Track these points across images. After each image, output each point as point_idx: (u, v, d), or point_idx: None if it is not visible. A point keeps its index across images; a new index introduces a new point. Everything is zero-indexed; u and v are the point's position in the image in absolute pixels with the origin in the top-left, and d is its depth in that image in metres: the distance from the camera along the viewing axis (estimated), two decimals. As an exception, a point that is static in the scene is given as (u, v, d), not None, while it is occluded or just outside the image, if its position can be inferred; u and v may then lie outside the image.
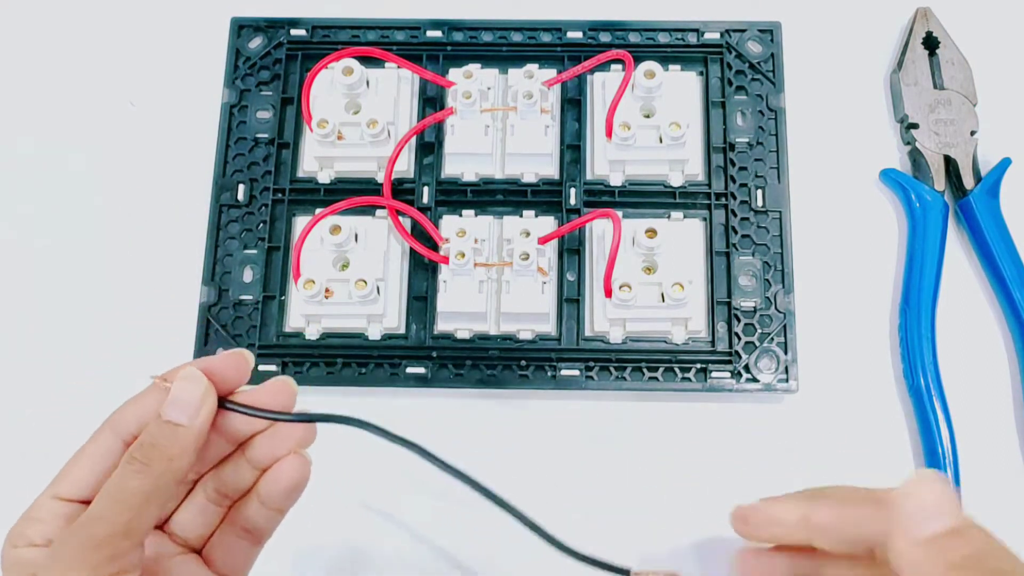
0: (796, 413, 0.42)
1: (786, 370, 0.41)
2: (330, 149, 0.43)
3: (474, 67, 0.43)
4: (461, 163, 0.43)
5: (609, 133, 0.42)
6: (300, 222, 0.44)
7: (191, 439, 0.27)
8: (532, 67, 0.43)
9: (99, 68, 0.48)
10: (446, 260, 0.40)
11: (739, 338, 0.41)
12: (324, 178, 0.44)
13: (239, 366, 0.28)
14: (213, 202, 0.44)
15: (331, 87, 0.44)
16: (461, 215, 0.43)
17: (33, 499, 0.28)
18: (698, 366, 0.41)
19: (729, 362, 0.41)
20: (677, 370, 0.41)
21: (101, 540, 0.25)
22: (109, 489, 0.26)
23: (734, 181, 0.43)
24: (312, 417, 0.29)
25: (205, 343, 0.42)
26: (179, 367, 0.28)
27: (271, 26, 0.46)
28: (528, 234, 0.41)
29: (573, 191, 0.43)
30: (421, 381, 0.41)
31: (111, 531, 0.25)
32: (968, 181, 0.43)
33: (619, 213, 0.40)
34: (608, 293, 0.40)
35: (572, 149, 0.44)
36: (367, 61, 0.44)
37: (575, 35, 0.46)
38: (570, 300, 0.42)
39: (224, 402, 0.28)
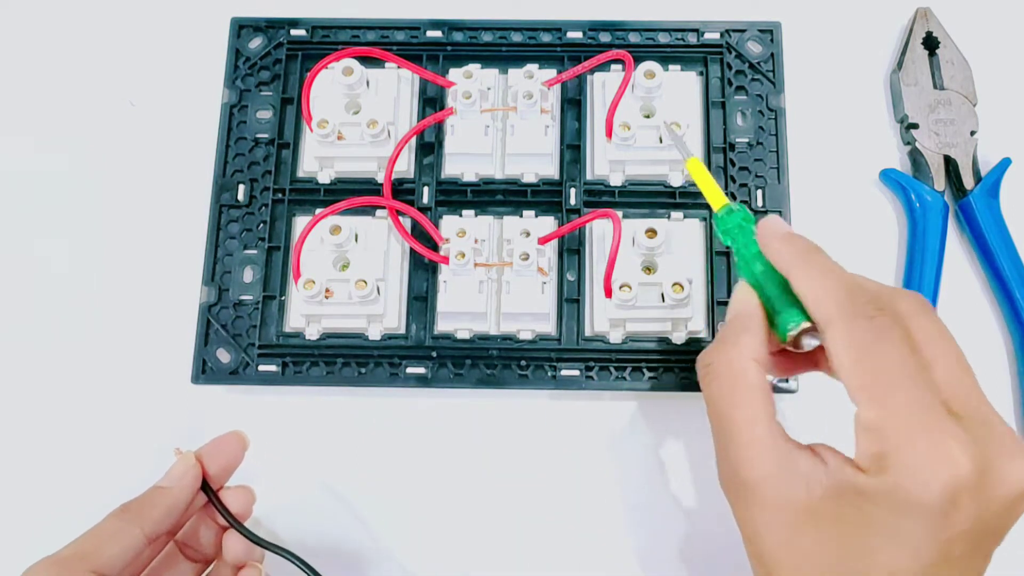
0: (796, 413, 0.42)
1: (786, 370, 0.41)
2: (330, 149, 0.43)
3: (474, 67, 0.43)
4: (461, 163, 0.43)
5: (609, 133, 0.42)
6: (300, 222, 0.44)
7: (170, 497, 0.33)
8: (532, 67, 0.43)
9: (99, 68, 0.48)
10: (446, 260, 0.41)
11: (739, 338, 0.41)
12: (324, 178, 0.44)
13: (231, 447, 0.35)
14: (213, 202, 0.44)
15: (331, 87, 0.44)
16: (461, 215, 0.43)
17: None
18: (698, 366, 0.41)
19: (729, 362, 0.41)
20: (677, 370, 0.41)
21: (58, 559, 0.31)
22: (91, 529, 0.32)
23: (734, 181, 0.43)
24: (259, 542, 0.34)
25: (205, 343, 0.42)
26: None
27: (271, 26, 0.46)
28: (528, 234, 0.41)
29: (573, 191, 0.43)
30: (421, 381, 0.41)
31: (70, 553, 0.31)
32: (968, 181, 0.43)
33: (619, 213, 0.40)
34: (608, 293, 0.40)
35: (572, 149, 0.44)
36: (367, 61, 0.44)
37: (575, 35, 0.46)
38: (570, 300, 0.42)
39: (205, 485, 0.34)
